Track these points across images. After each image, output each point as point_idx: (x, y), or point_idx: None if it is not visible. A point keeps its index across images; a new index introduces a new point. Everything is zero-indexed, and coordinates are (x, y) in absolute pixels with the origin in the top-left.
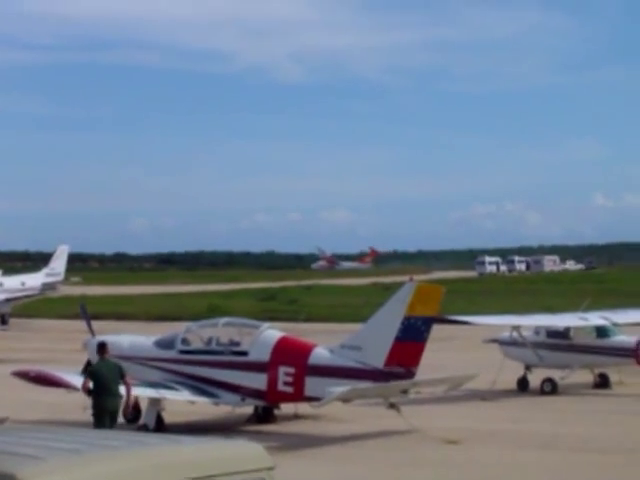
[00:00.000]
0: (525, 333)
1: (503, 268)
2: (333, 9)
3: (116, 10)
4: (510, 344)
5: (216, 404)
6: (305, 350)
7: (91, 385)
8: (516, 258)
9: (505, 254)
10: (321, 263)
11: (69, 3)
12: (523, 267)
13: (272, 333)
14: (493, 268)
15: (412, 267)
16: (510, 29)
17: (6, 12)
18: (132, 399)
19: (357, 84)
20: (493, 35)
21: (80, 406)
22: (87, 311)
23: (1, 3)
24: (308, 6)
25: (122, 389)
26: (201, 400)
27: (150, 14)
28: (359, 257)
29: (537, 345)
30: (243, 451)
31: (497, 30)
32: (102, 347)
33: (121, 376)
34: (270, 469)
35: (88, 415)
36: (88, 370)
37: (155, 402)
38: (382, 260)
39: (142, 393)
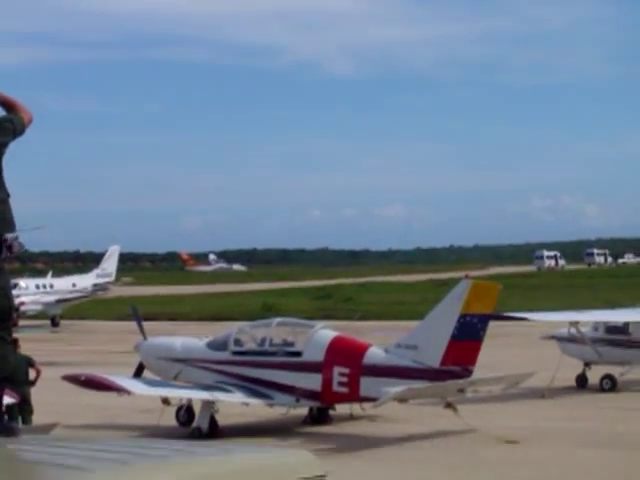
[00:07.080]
0: (583, 329)
1: (562, 262)
2: (384, 1)
3: (162, 5)
4: (568, 340)
5: (270, 406)
6: (360, 350)
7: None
8: (595, 250)
9: (564, 248)
10: (213, 265)
11: None
12: (602, 260)
13: (326, 333)
14: (552, 262)
15: (469, 263)
16: (562, 21)
17: (52, 9)
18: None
19: (409, 77)
20: (545, 27)
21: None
22: (139, 312)
23: (47, 1)
24: None
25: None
26: (255, 402)
27: (197, 9)
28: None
29: (596, 341)
30: (293, 459)
31: (549, 22)
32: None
33: (30, 365)
34: (321, 477)
35: (140, 418)
36: None
37: (208, 404)
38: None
39: (195, 395)
